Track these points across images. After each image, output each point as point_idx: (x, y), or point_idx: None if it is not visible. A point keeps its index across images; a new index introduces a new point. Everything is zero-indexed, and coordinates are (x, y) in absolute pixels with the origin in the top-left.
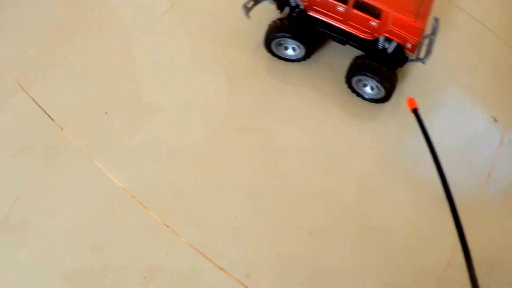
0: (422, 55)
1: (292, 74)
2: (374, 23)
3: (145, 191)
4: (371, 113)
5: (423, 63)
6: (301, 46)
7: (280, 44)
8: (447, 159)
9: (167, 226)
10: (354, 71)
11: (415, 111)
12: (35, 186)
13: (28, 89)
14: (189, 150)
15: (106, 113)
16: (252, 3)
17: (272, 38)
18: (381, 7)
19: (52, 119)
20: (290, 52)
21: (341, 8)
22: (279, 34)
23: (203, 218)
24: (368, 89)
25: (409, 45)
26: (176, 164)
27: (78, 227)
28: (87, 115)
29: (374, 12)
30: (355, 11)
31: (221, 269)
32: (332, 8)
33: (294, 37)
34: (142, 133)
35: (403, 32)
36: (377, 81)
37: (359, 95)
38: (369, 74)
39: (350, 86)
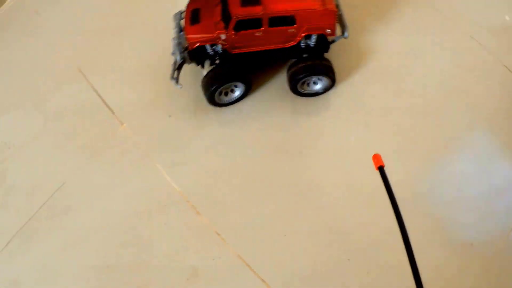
0: (339, 32)
1: (245, 112)
2: (292, 29)
3: (200, 198)
4: (321, 104)
5: (345, 37)
6: (239, 84)
7: (222, 93)
8: (471, 206)
9: (218, 234)
10: (293, 79)
11: (380, 169)
12: (86, 174)
13: (90, 79)
14: (248, 166)
15: (169, 116)
16: (176, 72)
17: (212, 93)
18: (292, 13)
19: (113, 112)
20: (234, 94)
21: (259, 33)
22: (214, 87)
23: (253, 232)
24: (316, 85)
25: (328, 31)
26: (233, 176)
27: (125, 221)
28: (150, 116)
29: (288, 21)
30: (272, 29)
31: (263, 281)
32: (252, 37)
33: (228, 81)
34: (202, 141)
35: (319, 23)
36: (317, 75)
37: (310, 95)
38: (307, 74)
39: (298, 93)
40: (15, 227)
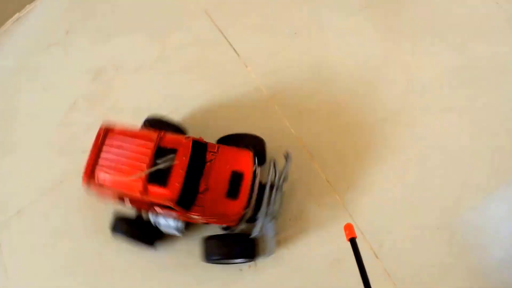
0: None
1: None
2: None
3: (315, 145)
4: None
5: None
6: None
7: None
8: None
9: (328, 181)
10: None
11: (352, 241)
12: (202, 106)
13: (216, 21)
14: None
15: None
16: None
17: None
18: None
19: (238, 55)
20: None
21: None
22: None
23: (363, 184)
24: None
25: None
26: (346, 128)
27: None
28: (275, 65)
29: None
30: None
31: (362, 233)
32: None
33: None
34: (322, 96)
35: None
36: None
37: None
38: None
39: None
40: None
